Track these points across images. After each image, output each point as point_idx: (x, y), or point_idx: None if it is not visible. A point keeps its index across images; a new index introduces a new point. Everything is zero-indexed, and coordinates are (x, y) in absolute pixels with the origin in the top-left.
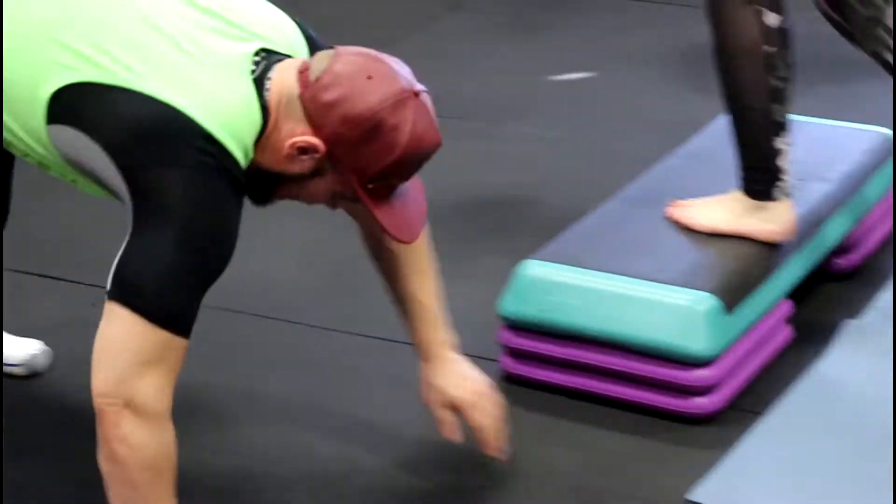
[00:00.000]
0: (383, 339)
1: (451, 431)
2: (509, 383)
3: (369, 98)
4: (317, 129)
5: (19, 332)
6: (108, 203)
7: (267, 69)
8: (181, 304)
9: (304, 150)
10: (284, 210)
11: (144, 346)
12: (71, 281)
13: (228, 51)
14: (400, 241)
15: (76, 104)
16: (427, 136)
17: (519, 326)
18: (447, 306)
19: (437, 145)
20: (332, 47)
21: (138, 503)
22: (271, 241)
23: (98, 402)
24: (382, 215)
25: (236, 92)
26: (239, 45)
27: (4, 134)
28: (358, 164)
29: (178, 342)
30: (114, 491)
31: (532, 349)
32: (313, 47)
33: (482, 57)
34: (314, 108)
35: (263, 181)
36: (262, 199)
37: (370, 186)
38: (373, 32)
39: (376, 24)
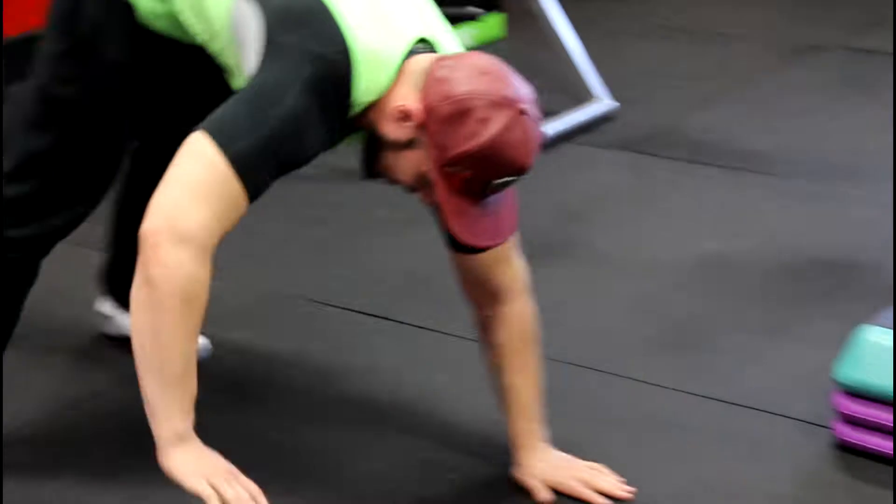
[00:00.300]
0: (715, 399)
1: (547, 495)
2: (843, 451)
3: (472, 85)
4: (422, 99)
5: None
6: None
7: (421, 52)
8: (256, 159)
9: (405, 115)
10: (611, 262)
11: (207, 176)
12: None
13: (410, 22)
14: (458, 238)
15: None
16: (516, 147)
17: (856, 393)
18: (779, 367)
19: (524, 165)
20: None
21: (160, 333)
22: (601, 291)
23: (144, 229)
24: (449, 206)
25: (391, 44)
26: (419, 26)
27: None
28: (440, 141)
29: (238, 193)
30: (138, 319)
31: (869, 417)
32: None
33: (815, 113)
34: (428, 79)
35: (370, 144)
36: (369, 167)
37: (447, 170)
38: (702, 83)
39: (706, 76)
